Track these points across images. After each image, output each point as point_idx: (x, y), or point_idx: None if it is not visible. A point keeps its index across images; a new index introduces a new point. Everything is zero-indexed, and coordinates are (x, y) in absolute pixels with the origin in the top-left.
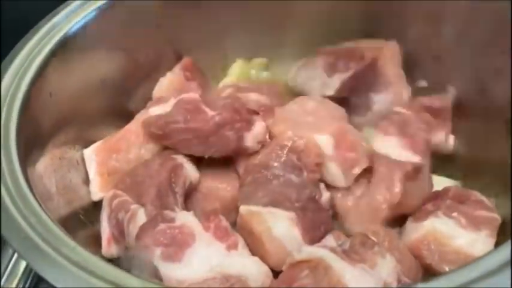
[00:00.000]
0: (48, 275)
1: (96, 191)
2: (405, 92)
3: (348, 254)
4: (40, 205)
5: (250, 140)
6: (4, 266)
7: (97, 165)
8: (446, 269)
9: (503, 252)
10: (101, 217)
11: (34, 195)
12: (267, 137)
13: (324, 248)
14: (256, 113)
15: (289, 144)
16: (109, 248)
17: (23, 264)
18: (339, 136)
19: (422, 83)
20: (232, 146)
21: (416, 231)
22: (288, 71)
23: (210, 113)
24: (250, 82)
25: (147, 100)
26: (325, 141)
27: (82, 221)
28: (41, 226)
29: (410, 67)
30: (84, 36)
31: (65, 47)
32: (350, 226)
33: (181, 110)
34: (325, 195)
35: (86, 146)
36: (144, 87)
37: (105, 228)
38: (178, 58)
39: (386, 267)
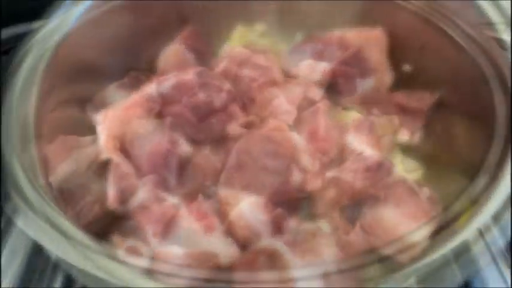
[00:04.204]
0: None
1: (104, 152)
2: (387, 78)
3: (300, 245)
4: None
5: (231, 130)
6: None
7: (105, 130)
8: (385, 252)
9: None
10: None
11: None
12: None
13: (280, 241)
14: (241, 106)
15: (268, 134)
16: (113, 204)
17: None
18: (312, 131)
19: (407, 68)
20: (217, 133)
21: (366, 216)
22: (288, 38)
23: (202, 98)
24: (250, 51)
25: (153, 63)
26: (298, 137)
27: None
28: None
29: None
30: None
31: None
32: (316, 209)
33: (177, 94)
34: (298, 176)
35: (96, 109)
36: (150, 51)
37: (110, 189)
38: (183, 23)
39: (331, 258)
